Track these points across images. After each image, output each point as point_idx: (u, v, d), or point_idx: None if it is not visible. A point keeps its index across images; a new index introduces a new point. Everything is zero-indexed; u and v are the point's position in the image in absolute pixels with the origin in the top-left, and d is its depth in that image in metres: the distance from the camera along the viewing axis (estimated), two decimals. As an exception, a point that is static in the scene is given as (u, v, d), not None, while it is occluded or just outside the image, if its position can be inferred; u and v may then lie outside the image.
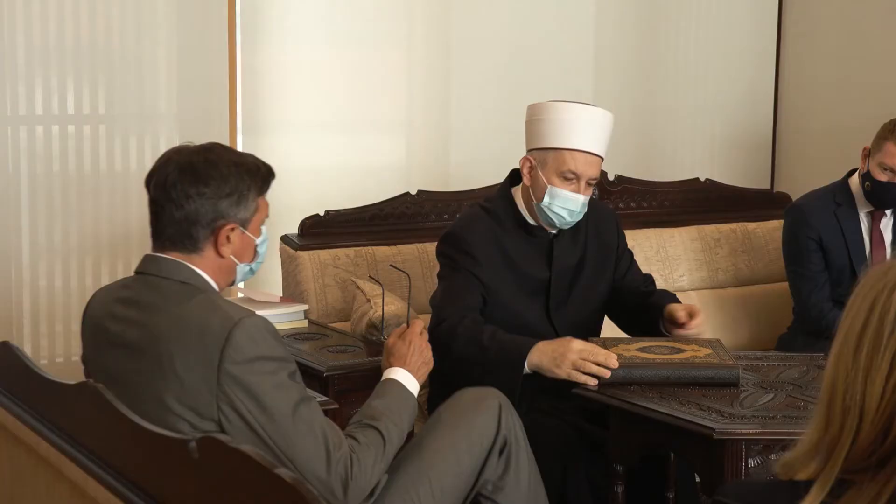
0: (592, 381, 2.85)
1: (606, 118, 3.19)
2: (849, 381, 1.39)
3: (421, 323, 2.61)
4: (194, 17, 4.28)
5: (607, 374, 2.85)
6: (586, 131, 3.13)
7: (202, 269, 2.32)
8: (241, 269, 2.38)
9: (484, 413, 2.56)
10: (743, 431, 2.57)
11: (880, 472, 1.36)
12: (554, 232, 3.25)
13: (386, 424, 2.34)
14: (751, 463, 2.58)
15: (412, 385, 2.49)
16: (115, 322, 2.32)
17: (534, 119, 3.20)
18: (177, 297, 2.26)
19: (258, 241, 2.39)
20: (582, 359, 2.86)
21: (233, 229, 2.32)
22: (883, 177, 3.90)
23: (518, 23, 4.90)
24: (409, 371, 2.50)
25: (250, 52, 4.43)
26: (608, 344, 3.00)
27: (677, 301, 3.29)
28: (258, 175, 2.36)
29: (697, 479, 2.91)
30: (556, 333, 3.12)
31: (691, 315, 3.12)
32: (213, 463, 1.67)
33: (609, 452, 2.89)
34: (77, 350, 4.17)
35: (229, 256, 2.33)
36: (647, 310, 3.26)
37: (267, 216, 2.42)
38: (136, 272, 2.36)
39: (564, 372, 2.87)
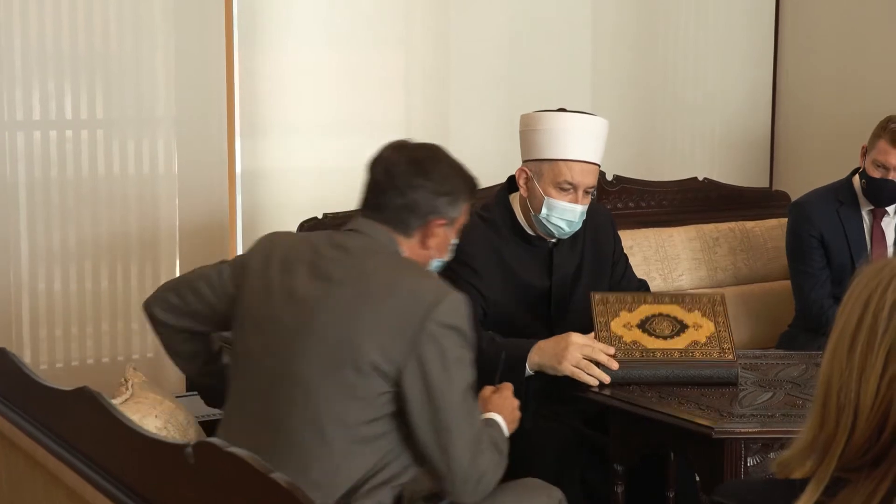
0: (594, 382, 2.85)
1: (601, 125, 3.16)
2: (843, 379, 1.39)
3: (512, 385, 2.70)
4: (192, 20, 4.27)
5: (608, 378, 2.84)
6: (581, 140, 3.10)
7: (406, 250, 2.47)
8: (435, 262, 2.55)
9: None
10: (742, 430, 2.57)
11: (875, 470, 1.36)
12: (553, 241, 3.23)
13: (501, 449, 2.45)
14: (750, 462, 2.57)
15: (506, 431, 2.56)
16: (319, 257, 2.41)
17: (527, 130, 3.17)
18: (393, 258, 2.42)
19: (453, 241, 2.57)
20: (584, 356, 2.85)
21: (441, 224, 2.48)
22: (876, 174, 3.91)
23: (517, 23, 4.90)
24: (505, 420, 2.57)
25: (248, 54, 4.43)
26: (610, 308, 2.97)
27: None
28: (470, 182, 2.55)
29: (697, 479, 2.90)
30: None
31: None
32: (209, 467, 1.67)
33: (609, 452, 2.88)
34: (77, 355, 4.18)
35: (432, 248, 2.50)
36: None
37: (465, 222, 2.59)
38: (348, 229, 2.48)
39: (567, 369, 2.86)
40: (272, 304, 2.41)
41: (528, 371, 2.91)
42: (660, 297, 3.03)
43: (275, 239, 2.54)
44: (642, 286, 3.43)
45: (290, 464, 2.27)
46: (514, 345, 2.95)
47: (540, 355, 2.90)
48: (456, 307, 2.32)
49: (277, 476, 1.53)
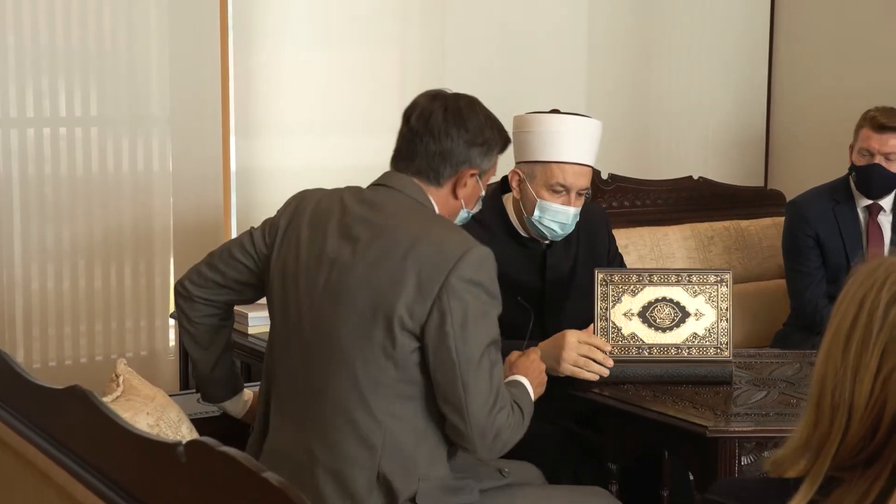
0: (594, 377, 2.85)
1: (594, 127, 3.14)
2: (838, 378, 1.39)
3: (538, 350, 2.74)
4: (186, 17, 4.26)
5: (606, 372, 2.85)
6: (574, 142, 3.08)
7: (435, 201, 2.48)
8: (463, 213, 2.57)
9: None
10: (736, 429, 2.56)
11: (869, 470, 1.35)
12: (547, 242, 3.21)
13: (523, 408, 2.45)
14: (744, 461, 2.57)
15: (532, 393, 2.59)
16: (347, 214, 2.43)
17: (520, 131, 3.15)
18: (419, 212, 2.43)
19: (483, 193, 2.58)
20: (582, 354, 2.85)
21: (472, 175, 2.50)
22: (862, 161, 3.94)
23: (512, 23, 4.89)
24: (531, 383, 2.60)
25: (243, 53, 4.42)
26: (613, 291, 2.94)
27: None
28: (504, 135, 2.57)
29: (692, 478, 2.90)
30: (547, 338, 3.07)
31: None
32: (200, 466, 1.65)
33: (603, 451, 2.88)
34: (70, 353, 4.17)
35: (461, 199, 2.51)
36: None
37: (493, 175, 2.60)
38: (376, 183, 2.50)
39: (566, 370, 2.86)
40: (303, 264, 2.44)
41: None
42: (666, 277, 2.99)
43: (305, 196, 2.56)
44: None
45: (335, 431, 2.33)
46: (512, 347, 2.93)
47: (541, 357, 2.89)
48: (480, 262, 2.33)
49: (270, 475, 1.52)
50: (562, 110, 3.21)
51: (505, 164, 3.29)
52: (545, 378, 2.67)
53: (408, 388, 2.34)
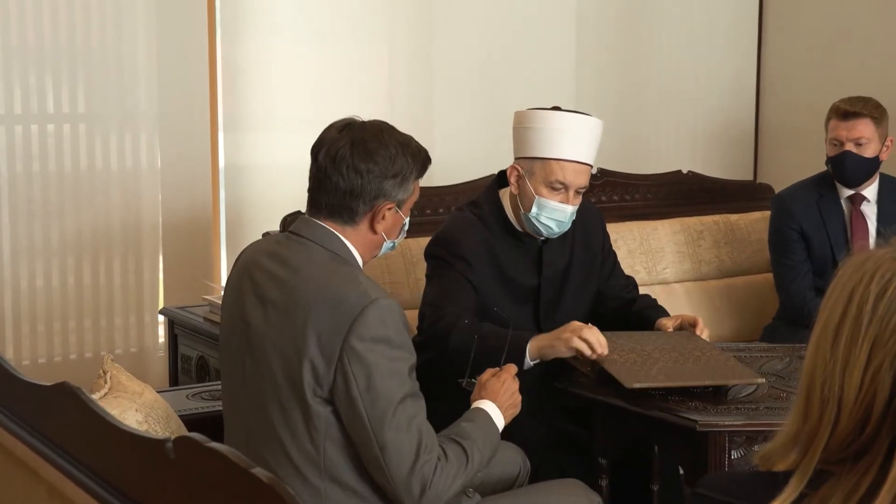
0: (601, 349, 2.80)
1: (595, 126, 3.13)
2: (827, 372, 1.38)
3: (515, 367, 2.65)
4: (174, 14, 4.25)
5: (605, 351, 2.81)
6: (575, 140, 3.06)
7: (352, 241, 2.41)
8: (386, 244, 2.49)
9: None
10: (726, 423, 2.57)
11: (858, 463, 1.35)
12: (543, 238, 3.21)
13: (471, 446, 2.38)
14: (734, 454, 2.57)
15: (499, 421, 2.52)
16: (261, 273, 2.39)
17: (521, 127, 3.13)
18: (324, 265, 2.34)
19: (406, 220, 2.51)
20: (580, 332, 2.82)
21: (390, 208, 2.41)
22: (833, 151, 3.96)
23: (500, 16, 4.88)
24: (499, 407, 2.53)
25: (230, 48, 4.41)
26: (624, 374, 2.78)
27: (664, 312, 3.26)
28: (419, 159, 2.46)
29: (681, 472, 2.90)
30: None
31: (681, 328, 3.10)
32: (189, 463, 1.65)
33: (593, 447, 2.88)
34: (59, 350, 4.16)
35: (381, 233, 2.43)
36: (630, 320, 3.23)
37: (416, 199, 2.53)
38: (290, 231, 2.44)
39: (564, 344, 2.82)
40: (228, 326, 2.44)
41: (528, 362, 2.88)
42: (666, 349, 2.92)
43: (243, 253, 2.52)
44: (630, 285, 3.41)
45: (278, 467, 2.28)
46: (512, 335, 2.92)
47: (538, 341, 2.87)
48: (381, 317, 2.25)
49: (258, 471, 1.51)
50: (555, 106, 3.21)
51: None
52: (519, 398, 2.58)
53: (337, 452, 2.29)
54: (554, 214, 3.07)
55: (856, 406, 1.36)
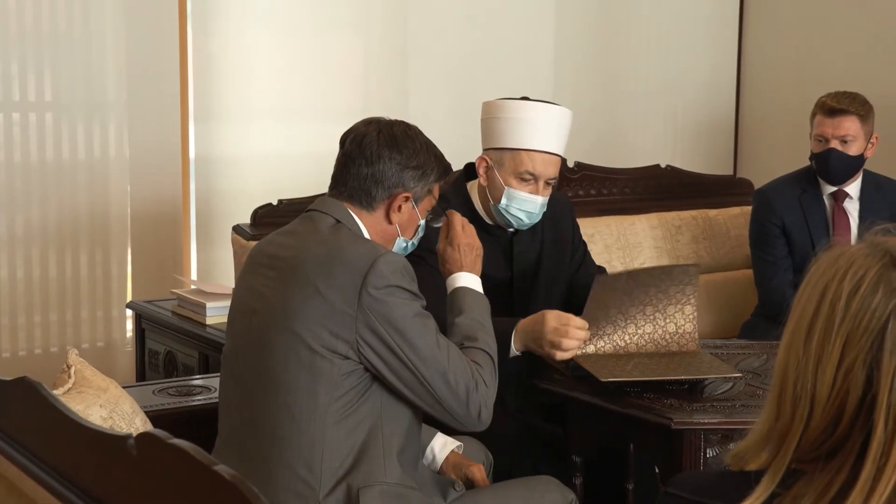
0: (571, 350, 2.80)
1: (565, 116, 3.13)
2: (800, 369, 1.38)
3: (458, 216, 2.74)
4: (143, 0, 4.23)
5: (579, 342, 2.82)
6: (544, 131, 3.07)
7: (367, 225, 2.49)
8: (400, 241, 2.56)
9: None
10: (701, 421, 2.57)
11: (831, 462, 1.35)
12: (512, 230, 3.21)
13: (485, 339, 2.51)
14: (709, 453, 2.57)
15: (475, 283, 2.64)
16: (272, 247, 2.50)
17: (490, 118, 3.14)
18: (334, 230, 2.44)
19: (421, 222, 2.59)
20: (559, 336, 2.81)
21: (406, 199, 2.50)
22: (818, 148, 3.97)
23: (478, 5, 4.88)
24: (468, 271, 2.65)
25: (202, 36, 4.39)
26: (598, 369, 2.78)
27: None
28: (442, 162, 2.57)
29: (657, 470, 2.90)
30: None
31: None
32: (151, 459, 1.64)
33: (567, 444, 2.88)
34: (24, 345, 4.14)
35: (395, 224, 2.52)
36: None
37: (434, 205, 2.61)
38: (309, 209, 2.54)
39: (545, 352, 2.83)
40: (238, 299, 2.52)
41: (514, 351, 2.87)
42: (641, 344, 2.94)
43: (258, 244, 2.61)
44: (601, 272, 3.41)
45: (272, 458, 2.35)
46: (498, 324, 2.92)
47: (523, 338, 2.86)
48: (390, 267, 2.34)
49: (221, 468, 1.51)
50: (524, 96, 3.20)
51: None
52: (477, 242, 2.69)
53: (341, 412, 2.34)
54: (524, 205, 3.08)
55: (828, 404, 1.36)
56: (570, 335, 2.81)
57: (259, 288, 2.44)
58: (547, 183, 3.10)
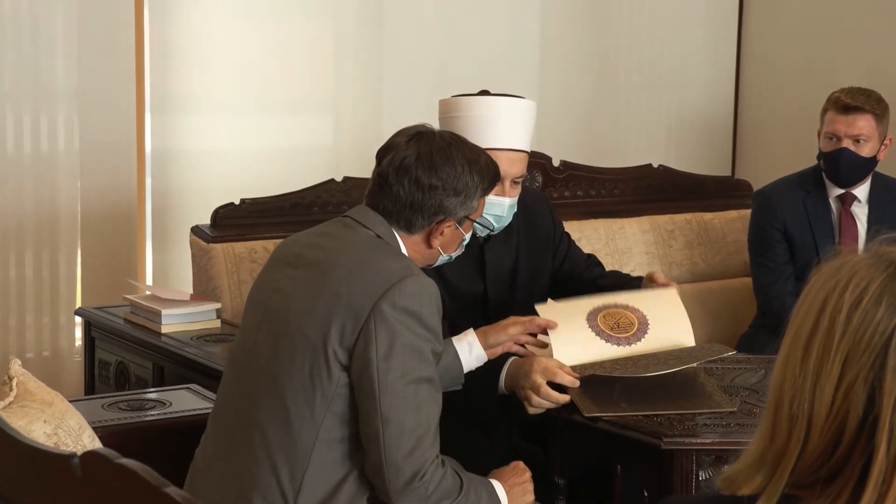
0: (552, 404, 2.80)
1: (526, 108, 3.13)
2: (797, 386, 1.39)
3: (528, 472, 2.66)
4: (97, -18, 4.23)
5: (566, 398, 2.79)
6: (505, 126, 3.06)
7: (407, 246, 2.55)
8: (442, 257, 2.65)
9: None
10: (693, 441, 2.57)
11: (829, 487, 1.36)
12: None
13: (468, 484, 2.44)
14: (702, 475, 2.58)
15: (502, 496, 2.56)
16: (298, 246, 2.56)
17: (446, 117, 3.13)
18: (369, 240, 2.50)
19: (466, 236, 2.67)
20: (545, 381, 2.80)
21: (449, 226, 2.56)
22: (829, 147, 3.96)
23: (457, -6, 4.89)
24: (504, 485, 2.57)
25: (160, 20, 4.38)
26: (583, 399, 2.78)
27: (636, 283, 3.24)
28: (487, 176, 2.61)
29: (645, 494, 2.91)
30: None
31: None
32: (97, 480, 1.64)
33: (549, 465, 2.88)
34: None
35: (437, 248, 2.59)
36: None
37: (481, 214, 2.69)
38: (346, 215, 2.58)
39: (526, 401, 2.80)
40: (256, 294, 2.56)
41: (503, 387, 2.85)
42: (619, 330, 2.93)
43: (284, 241, 2.66)
44: (591, 262, 3.41)
45: (259, 460, 2.38)
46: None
47: (510, 377, 2.86)
48: (418, 291, 2.36)
49: (172, 490, 1.50)
50: (483, 90, 3.20)
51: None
52: (530, 486, 2.63)
53: (335, 430, 2.37)
54: (491, 209, 3.04)
55: (827, 425, 1.36)
56: (549, 397, 2.78)
57: (278, 284, 2.48)
58: (514, 182, 3.09)
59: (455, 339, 2.75)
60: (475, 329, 2.85)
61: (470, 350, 2.75)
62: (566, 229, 3.45)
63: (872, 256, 1.40)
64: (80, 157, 4.26)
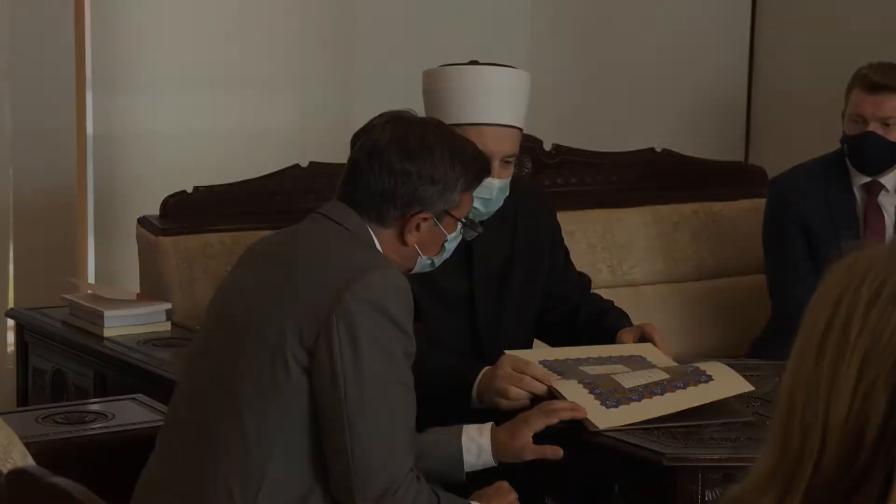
0: (522, 400, 2.81)
1: (520, 79, 3.14)
2: (810, 392, 1.39)
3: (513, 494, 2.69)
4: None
5: (526, 394, 2.80)
6: (495, 99, 3.06)
7: (381, 242, 2.55)
8: (422, 261, 2.63)
9: None
10: (698, 457, 2.58)
11: (849, 506, 1.36)
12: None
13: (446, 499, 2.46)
14: (708, 495, 2.58)
15: None
16: (265, 244, 2.64)
17: (431, 89, 3.14)
18: (337, 234, 2.51)
19: (450, 236, 2.65)
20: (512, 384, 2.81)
21: (426, 219, 2.55)
22: (854, 130, 3.95)
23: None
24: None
25: (102, -9, 4.38)
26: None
27: (624, 320, 3.24)
28: (472, 169, 2.61)
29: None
30: (483, 356, 3.03)
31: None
32: (24, 501, 1.63)
33: (540, 484, 2.88)
34: None
35: (412, 245, 2.58)
36: (578, 330, 3.22)
37: (467, 213, 2.68)
38: (317, 212, 2.60)
39: (492, 403, 2.82)
40: (218, 296, 2.60)
41: (475, 400, 2.87)
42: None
43: (252, 242, 2.73)
44: (581, 286, 3.39)
45: (213, 481, 2.38)
46: (462, 366, 2.93)
47: (480, 386, 2.86)
48: (383, 283, 2.37)
49: (108, 512, 1.50)
50: (472, 60, 3.20)
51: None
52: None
53: (294, 441, 2.37)
54: (479, 192, 3.02)
55: (844, 434, 1.36)
56: (523, 384, 2.79)
57: (243, 286, 2.53)
58: (505, 162, 3.07)
59: (464, 435, 2.69)
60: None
61: (478, 456, 2.70)
62: (560, 223, 3.43)
63: (890, 249, 1.40)
64: (12, 140, 4.25)
